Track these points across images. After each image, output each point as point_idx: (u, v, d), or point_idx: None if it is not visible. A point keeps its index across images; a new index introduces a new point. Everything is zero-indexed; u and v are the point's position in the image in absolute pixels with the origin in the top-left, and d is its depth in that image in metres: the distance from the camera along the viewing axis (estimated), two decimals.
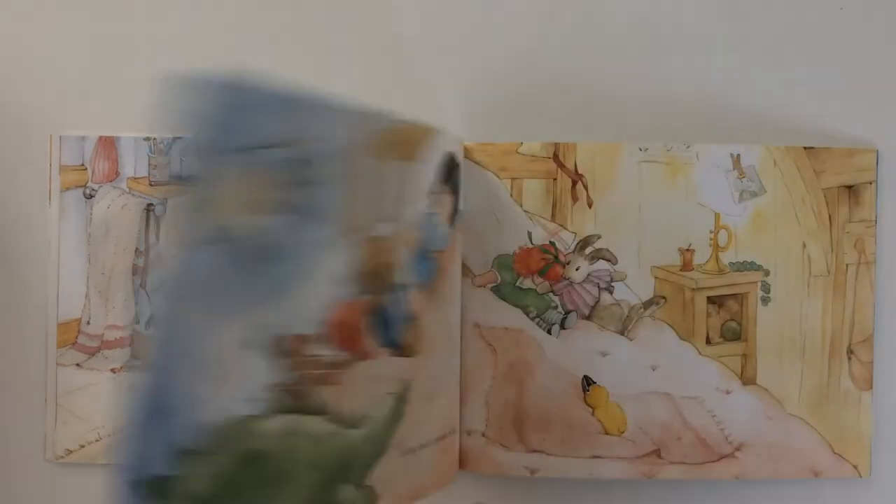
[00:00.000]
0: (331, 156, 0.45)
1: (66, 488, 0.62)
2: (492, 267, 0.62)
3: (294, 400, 0.45)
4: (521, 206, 0.62)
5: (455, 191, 0.59)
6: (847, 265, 0.62)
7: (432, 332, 0.55)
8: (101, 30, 0.63)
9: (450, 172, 0.57)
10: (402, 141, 0.51)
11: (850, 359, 0.62)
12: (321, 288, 0.46)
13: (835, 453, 0.62)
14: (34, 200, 0.62)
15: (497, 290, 0.62)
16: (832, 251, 0.62)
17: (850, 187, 0.62)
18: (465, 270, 0.62)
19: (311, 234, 0.45)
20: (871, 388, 0.62)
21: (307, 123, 0.43)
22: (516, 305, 0.62)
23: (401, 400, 0.52)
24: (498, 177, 0.62)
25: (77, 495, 0.62)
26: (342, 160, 0.46)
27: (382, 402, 0.51)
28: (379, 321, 0.50)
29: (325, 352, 0.46)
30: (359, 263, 0.47)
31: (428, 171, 0.54)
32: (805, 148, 0.62)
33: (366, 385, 0.49)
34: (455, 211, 0.59)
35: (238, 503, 0.43)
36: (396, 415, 0.52)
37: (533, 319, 0.62)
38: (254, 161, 0.40)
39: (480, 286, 0.62)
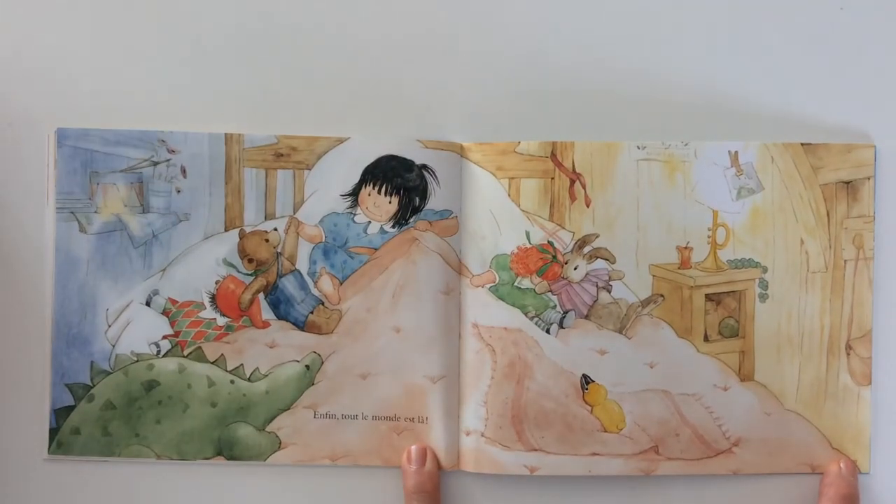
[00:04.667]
0: (198, 170, 0.61)
1: (66, 486, 0.62)
2: (490, 267, 0.62)
3: (186, 349, 0.61)
4: (519, 205, 0.62)
5: (402, 193, 0.62)
6: (845, 261, 0.62)
7: (359, 318, 0.62)
8: (101, 29, 0.63)
9: (385, 176, 0.61)
10: (286, 152, 0.61)
11: (848, 354, 0.62)
12: (208, 266, 0.61)
13: (833, 448, 0.62)
14: (32, 198, 0.63)
15: (495, 290, 0.62)
16: (830, 247, 0.62)
17: (847, 183, 0.62)
18: (464, 270, 0.62)
19: (184, 227, 0.61)
20: (870, 383, 0.62)
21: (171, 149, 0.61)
22: (515, 305, 0.62)
23: (308, 368, 0.61)
24: (495, 176, 0.62)
25: (77, 493, 0.62)
26: (210, 173, 0.61)
27: (287, 366, 0.61)
28: (273, 299, 0.62)
29: (213, 316, 0.61)
30: (244, 251, 0.61)
31: (328, 176, 0.61)
32: (802, 144, 0.62)
33: (262, 349, 0.62)
34: (406, 213, 0.62)
35: (140, 415, 0.61)
36: (302, 379, 0.61)
37: (531, 319, 0.62)
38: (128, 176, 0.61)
39: (479, 286, 0.62)
